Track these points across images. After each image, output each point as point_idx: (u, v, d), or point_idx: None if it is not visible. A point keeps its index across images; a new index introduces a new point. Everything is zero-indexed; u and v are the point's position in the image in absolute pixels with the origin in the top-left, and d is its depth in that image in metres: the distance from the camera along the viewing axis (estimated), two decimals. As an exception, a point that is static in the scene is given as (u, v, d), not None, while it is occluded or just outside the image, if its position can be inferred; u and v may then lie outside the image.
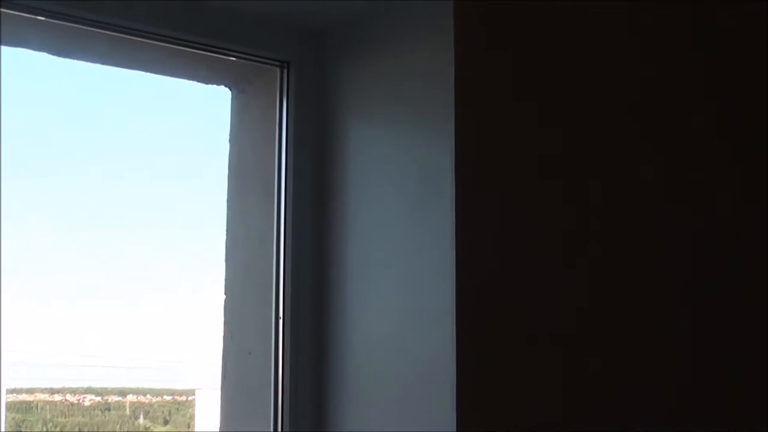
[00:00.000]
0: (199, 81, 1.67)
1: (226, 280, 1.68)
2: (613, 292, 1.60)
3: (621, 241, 1.63)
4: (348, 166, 1.64)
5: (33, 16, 1.47)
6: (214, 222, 1.66)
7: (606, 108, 1.66)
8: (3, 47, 1.47)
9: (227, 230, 1.67)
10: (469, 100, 1.50)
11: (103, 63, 1.56)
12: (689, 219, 1.71)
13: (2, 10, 1.43)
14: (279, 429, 1.59)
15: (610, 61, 1.68)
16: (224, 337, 1.66)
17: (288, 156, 1.66)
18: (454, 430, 1.41)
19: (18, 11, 1.46)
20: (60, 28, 1.50)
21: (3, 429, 1.42)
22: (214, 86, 1.68)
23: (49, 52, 1.51)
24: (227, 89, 1.70)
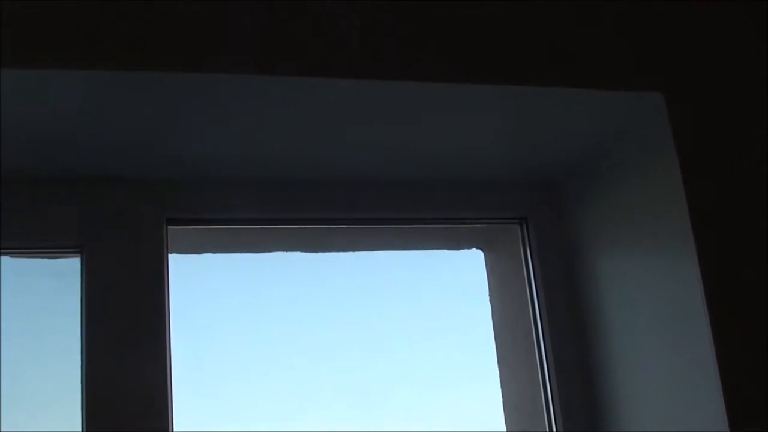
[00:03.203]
0: (450, 248, 1.74)
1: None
2: None
3: None
4: (601, 305, 1.62)
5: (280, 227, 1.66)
6: (487, 380, 1.70)
7: None
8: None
9: (502, 388, 1.69)
10: (706, 224, 1.44)
11: (347, 251, 1.69)
12: None
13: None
14: None
15: None
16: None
17: (541, 305, 1.67)
18: None
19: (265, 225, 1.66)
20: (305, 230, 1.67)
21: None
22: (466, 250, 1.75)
23: (301, 251, 1.67)
24: (479, 250, 1.76)
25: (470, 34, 1.41)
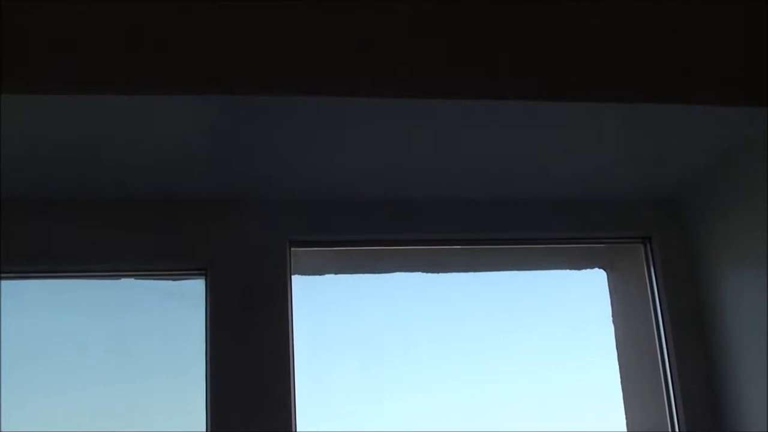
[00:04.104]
0: (572, 268, 1.72)
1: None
2: None
3: None
4: (727, 325, 1.57)
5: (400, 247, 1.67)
6: (610, 402, 1.67)
7: None
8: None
9: (625, 410, 1.66)
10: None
11: (467, 271, 1.69)
12: None
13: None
14: None
15: None
16: None
17: (666, 325, 1.63)
18: None
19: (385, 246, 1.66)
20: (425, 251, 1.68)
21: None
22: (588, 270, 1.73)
23: (421, 271, 1.67)
24: (601, 270, 1.73)
25: (591, 53, 1.39)
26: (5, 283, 1.51)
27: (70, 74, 1.24)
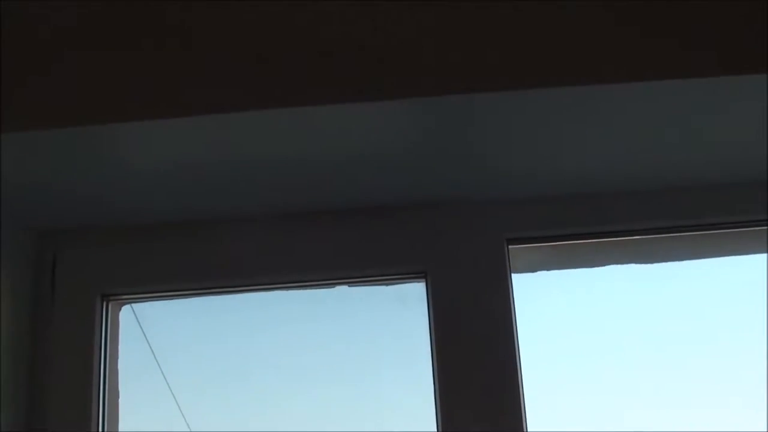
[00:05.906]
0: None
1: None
2: None
3: None
4: None
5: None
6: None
7: None
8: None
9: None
10: None
11: (685, 260, 1.65)
12: None
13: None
14: None
15: None
16: None
17: None
18: None
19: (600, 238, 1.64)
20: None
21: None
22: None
23: (636, 263, 1.65)
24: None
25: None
26: (241, 296, 1.60)
27: (291, 89, 1.29)
